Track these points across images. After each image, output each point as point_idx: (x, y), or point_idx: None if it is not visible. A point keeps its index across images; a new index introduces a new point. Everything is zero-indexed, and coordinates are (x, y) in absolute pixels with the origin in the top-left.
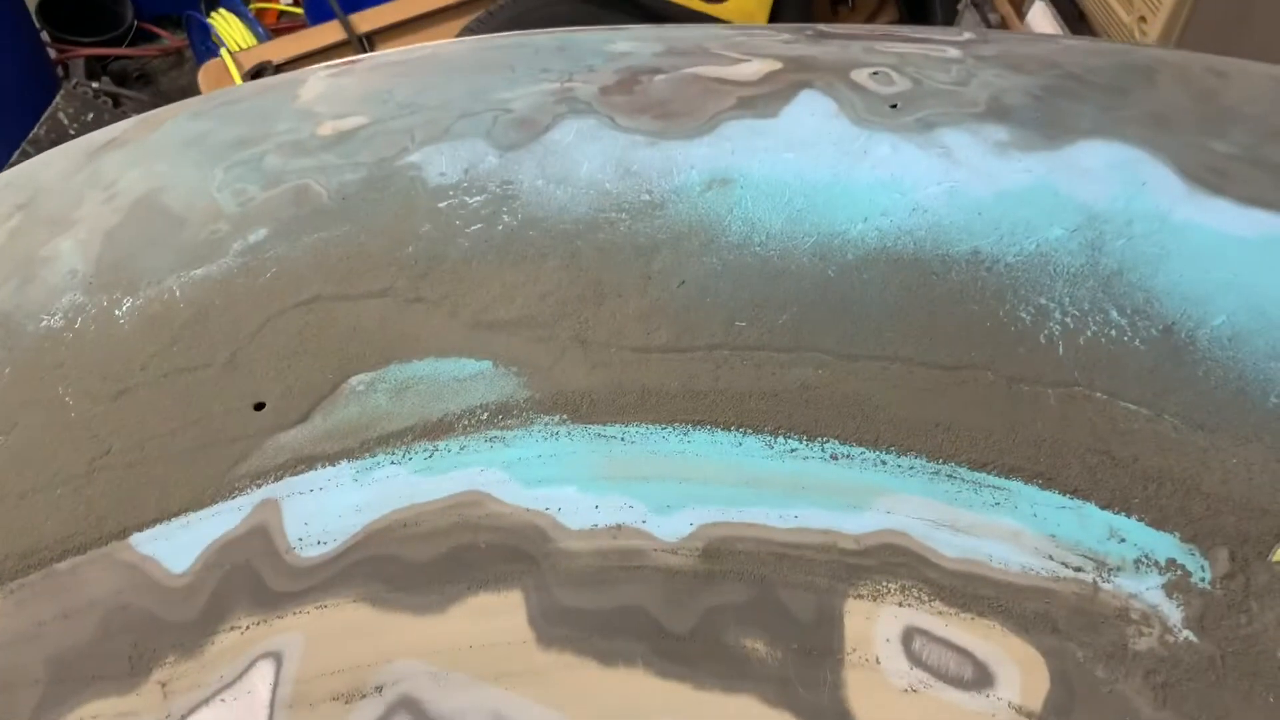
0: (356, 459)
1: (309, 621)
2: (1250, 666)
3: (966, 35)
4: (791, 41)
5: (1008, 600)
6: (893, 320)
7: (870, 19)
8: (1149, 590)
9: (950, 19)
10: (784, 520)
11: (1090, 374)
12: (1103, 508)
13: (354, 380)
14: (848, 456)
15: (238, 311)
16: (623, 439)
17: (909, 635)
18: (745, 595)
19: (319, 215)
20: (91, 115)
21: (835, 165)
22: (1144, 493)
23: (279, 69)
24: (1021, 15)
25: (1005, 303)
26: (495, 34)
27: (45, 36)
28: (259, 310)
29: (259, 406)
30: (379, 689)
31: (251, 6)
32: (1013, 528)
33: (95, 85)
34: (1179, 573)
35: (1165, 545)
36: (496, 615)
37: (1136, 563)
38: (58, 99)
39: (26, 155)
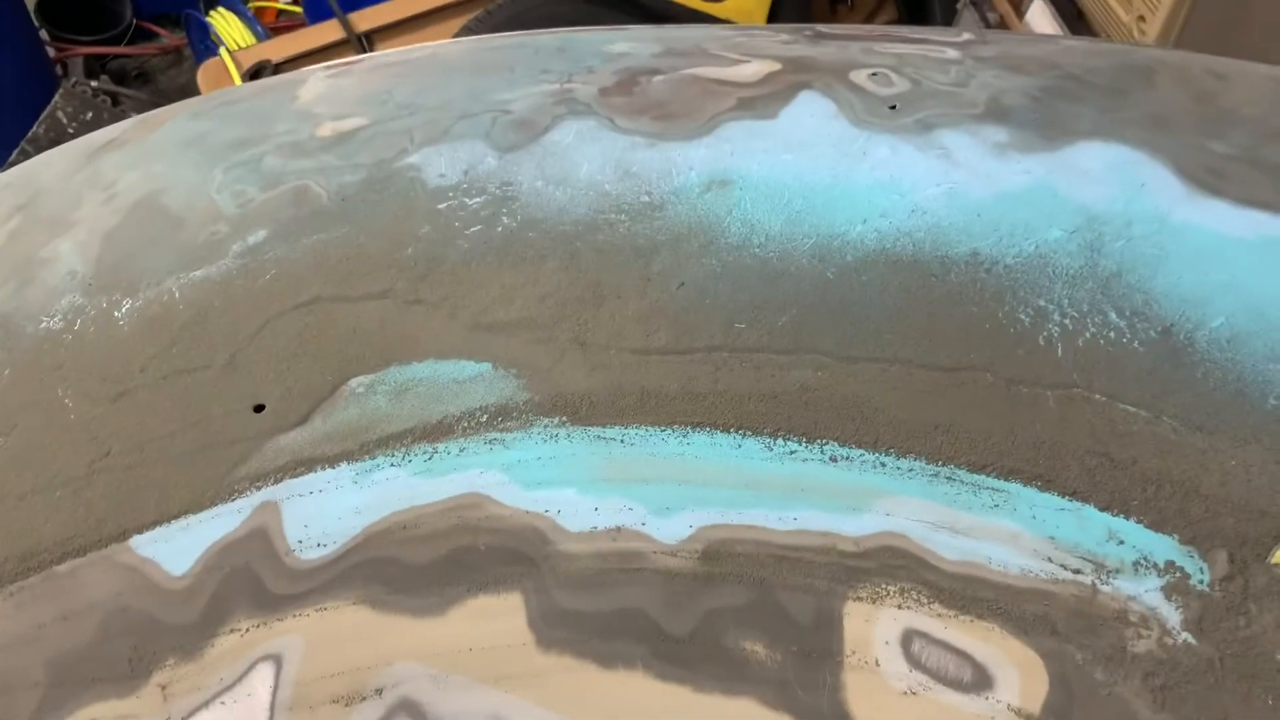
0: (356, 461)
1: (309, 624)
2: (1249, 669)
3: (965, 36)
4: (790, 42)
5: (1007, 602)
6: (892, 322)
7: (869, 17)
8: (1148, 592)
9: (949, 18)
10: (783, 522)
11: (1089, 376)
12: (1102, 510)
13: (353, 382)
14: (847, 458)
15: (237, 313)
16: (622, 441)
17: (908, 637)
18: (744, 597)
19: (318, 217)
20: (90, 114)
21: (834, 167)
22: (1143, 495)
23: (278, 68)
24: (1020, 14)
25: (1004, 304)
26: (494, 34)
27: (44, 35)
28: (258, 312)
29: (258, 408)
30: (379, 691)
31: (250, 5)
32: (1012, 530)
33: (94, 84)
34: (1178, 575)
35: (1164, 547)
36: (496, 618)
37: (1135, 565)
38: (56, 98)
39: (25, 154)
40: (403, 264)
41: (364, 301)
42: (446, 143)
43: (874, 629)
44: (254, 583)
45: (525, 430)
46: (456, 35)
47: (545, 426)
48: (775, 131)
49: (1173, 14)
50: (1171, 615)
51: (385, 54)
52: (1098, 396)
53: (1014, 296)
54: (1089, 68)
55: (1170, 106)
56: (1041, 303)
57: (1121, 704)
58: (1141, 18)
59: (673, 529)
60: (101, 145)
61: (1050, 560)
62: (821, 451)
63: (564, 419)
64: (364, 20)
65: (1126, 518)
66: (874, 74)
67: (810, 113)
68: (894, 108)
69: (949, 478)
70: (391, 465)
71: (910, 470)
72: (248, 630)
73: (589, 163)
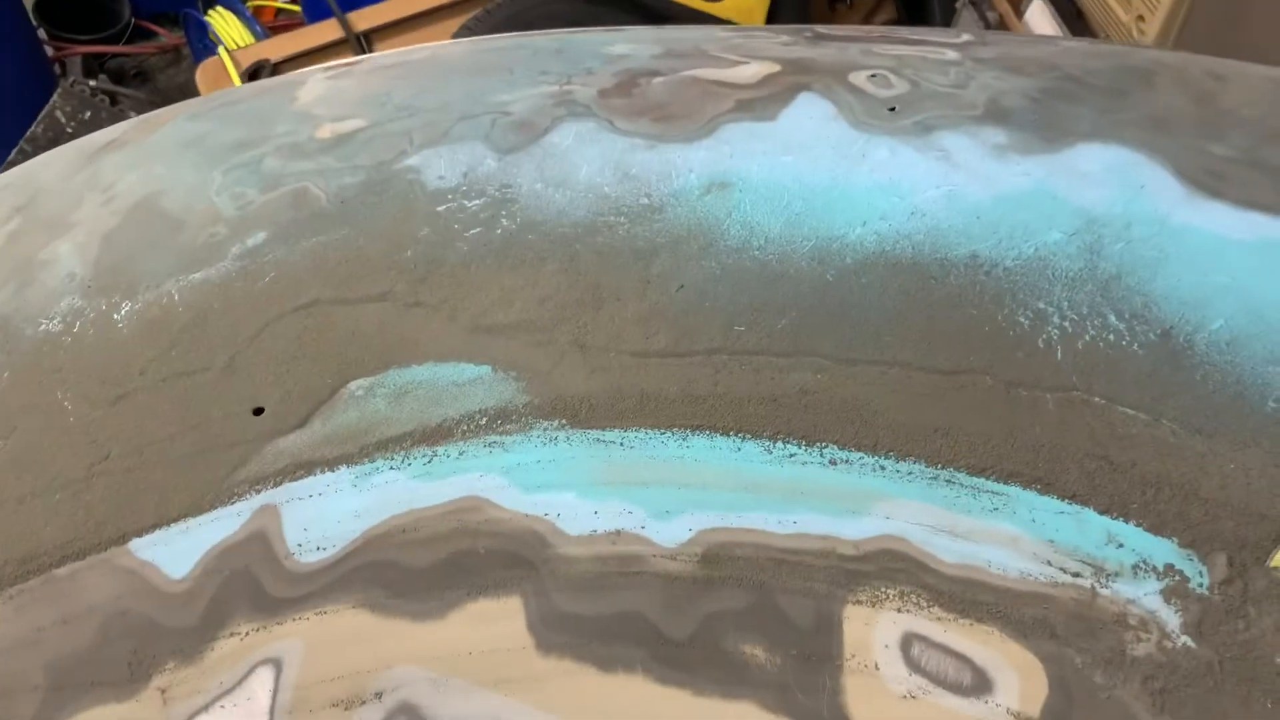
0: (355, 464)
1: (309, 628)
2: (1248, 672)
3: (965, 37)
4: (790, 44)
5: (1006, 606)
6: (891, 325)
7: (869, 16)
8: (1147, 596)
9: (948, 17)
10: (783, 526)
11: (1088, 378)
12: (1101, 513)
13: (353, 385)
14: (846, 461)
15: (236, 315)
16: (622, 444)
17: (908, 641)
18: (744, 601)
19: (318, 219)
20: (89, 113)
21: (834, 169)
22: (1142, 498)
23: (276, 67)
24: (1019, 13)
25: (1004, 307)
26: (493, 35)
27: (42, 34)
28: (258, 314)
29: (258, 411)
30: (379, 695)
31: (249, 4)
32: (1011, 533)
33: (92, 83)
34: (1177, 578)
35: (1163, 550)
36: (496, 621)
37: (1135, 568)
38: (55, 97)
39: (24, 153)
40: (402, 266)
41: (363, 304)
42: (446, 145)
43: (873, 632)
44: (254, 586)
45: (525, 433)
46: (455, 34)
47: (545, 429)
48: (775, 133)
49: (1172, 13)
50: (1171, 618)
51: (384, 55)
52: (1097, 399)
53: (1013, 299)
54: (1088, 69)
55: (1170, 108)
56: (1041, 305)
57: (1121, 707)
58: (1140, 17)
59: (672, 532)
60: (101, 146)
61: (1050, 563)
62: (821, 454)
63: (563, 422)
64: (363, 19)
65: (1126, 521)
66: (873, 75)
67: (809, 114)
68: (893, 109)
69: (948, 481)
70: (391, 468)
71: (910, 473)
72: (247, 634)
73: (588, 165)
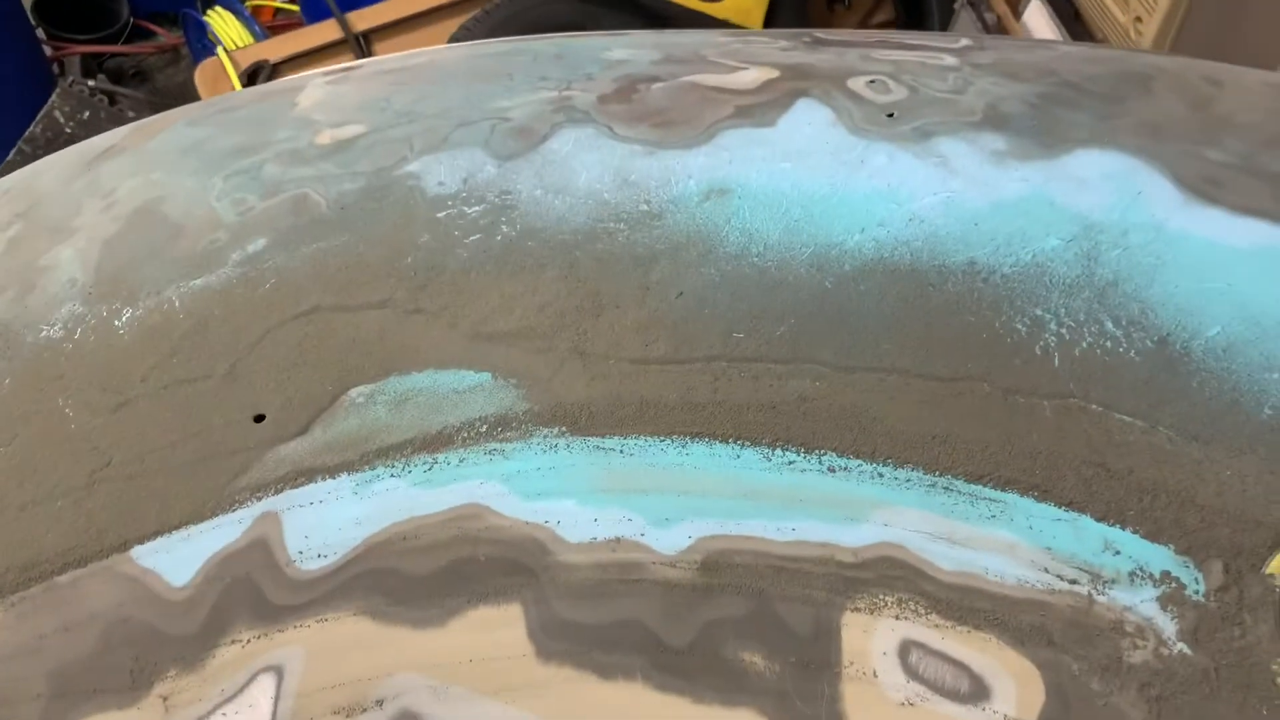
0: (356, 472)
1: (309, 635)
2: (1244, 679)
3: (963, 42)
4: (788, 49)
5: (1004, 613)
6: (890, 332)
7: (867, 16)
8: (1144, 603)
9: (946, 18)
10: (782, 533)
11: (1085, 385)
12: (1098, 520)
13: (353, 392)
14: (845, 469)
15: (237, 322)
16: (621, 451)
17: (906, 648)
18: (743, 608)
19: (318, 225)
20: (88, 113)
21: (832, 175)
22: (1139, 505)
23: (275, 67)
24: (1018, 14)
25: (1001, 314)
26: (493, 40)
27: (41, 34)
28: (258, 321)
29: (259, 418)
30: (379, 703)
31: (248, 4)
32: (1009, 540)
33: (91, 83)
34: (1173, 585)
35: (1160, 558)
36: (496, 628)
37: (1131, 575)
38: (54, 97)
39: (23, 153)
40: (402, 273)
41: (363, 311)
42: (446, 151)
43: (872, 640)
44: (255, 593)
45: (525, 441)
46: (454, 35)
47: (545, 437)
48: (773, 139)
49: (1169, 15)
50: (1167, 625)
51: (384, 60)
52: (1094, 406)
53: (1011, 306)
54: (1086, 75)
55: (1167, 114)
56: (1038, 312)
57: (1117, 714)
58: (1138, 19)
59: (672, 540)
60: (100, 152)
61: (1047, 571)
62: (820, 462)
63: (563, 429)
64: (362, 20)
65: (1122, 528)
66: (872, 81)
67: (808, 120)
68: (892, 115)
69: (946, 488)
70: (391, 476)
71: (908, 480)
72: (249, 641)
73: (588, 171)
